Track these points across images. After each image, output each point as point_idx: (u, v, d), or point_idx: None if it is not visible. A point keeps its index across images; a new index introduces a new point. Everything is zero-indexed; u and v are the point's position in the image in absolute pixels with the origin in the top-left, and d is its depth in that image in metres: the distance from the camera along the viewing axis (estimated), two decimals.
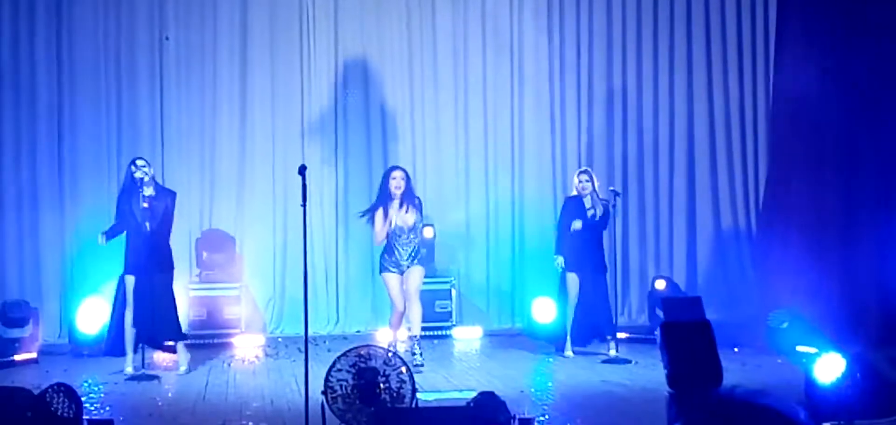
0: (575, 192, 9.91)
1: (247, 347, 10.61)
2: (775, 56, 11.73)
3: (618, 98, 12.21)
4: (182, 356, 9.26)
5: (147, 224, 8.86)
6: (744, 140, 12.37)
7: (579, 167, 11.11)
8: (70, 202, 11.24)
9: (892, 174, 9.95)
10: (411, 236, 9.32)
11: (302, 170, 7.18)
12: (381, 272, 9.46)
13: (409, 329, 9.51)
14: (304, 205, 7.13)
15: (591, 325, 9.82)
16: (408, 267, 9.32)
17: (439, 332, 11.20)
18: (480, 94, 12.03)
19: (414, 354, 9.13)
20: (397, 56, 11.94)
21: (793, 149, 11.03)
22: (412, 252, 9.33)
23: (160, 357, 9.48)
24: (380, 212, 9.30)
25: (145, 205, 8.85)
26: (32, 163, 11.18)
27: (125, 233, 8.99)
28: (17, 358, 9.77)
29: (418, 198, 9.51)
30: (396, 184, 9.27)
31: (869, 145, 10.17)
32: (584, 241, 9.71)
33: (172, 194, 9.16)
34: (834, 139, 10.33)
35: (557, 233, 10.07)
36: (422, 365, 9.03)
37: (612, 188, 10.20)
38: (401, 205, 9.23)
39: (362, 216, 9.54)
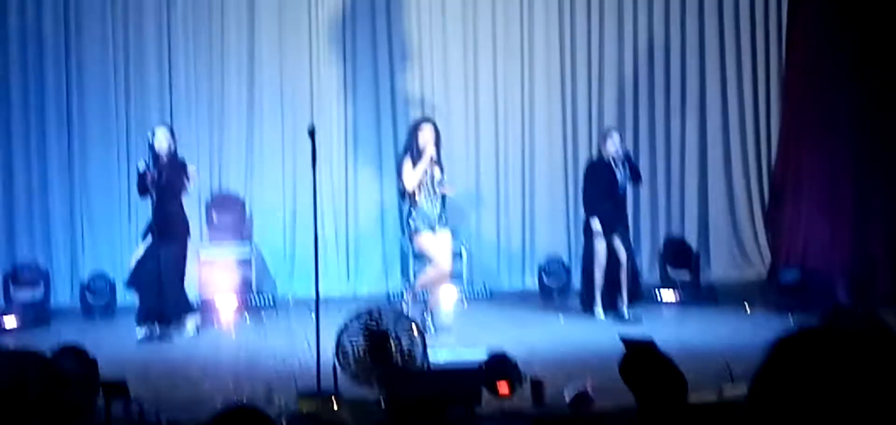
0: (599, 155, 9.91)
1: (257, 309, 10.61)
2: (788, 8, 11.61)
3: (628, 64, 12.09)
4: (190, 322, 9.28)
5: (153, 193, 8.92)
6: (756, 100, 12.26)
7: (602, 127, 11.22)
8: (79, 162, 11.22)
9: None
10: (439, 192, 9.08)
11: (311, 131, 7.15)
12: (414, 234, 9.15)
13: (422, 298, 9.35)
14: (314, 168, 7.12)
15: (621, 285, 9.77)
16: (439, 226, 9.05)
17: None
18: (490, 57, 11.95)
19: (425, 321, 8.87)
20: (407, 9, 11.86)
21: (805, 109, 10.95)
22: (441, 209, 9.10)
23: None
24: (408, 161, 9.05)
25: (150, 175, 8.91)
26: (41, 122, 11.14)
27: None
28: (27, 319, 9.82)
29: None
30: (425, 138, 9.04)
31: (882, 105, 10.10)
32: (613, 205, 9.70)
33: (181, 164, 9.18)
34: (847, 99, 10.25)
35: (586, 197, 10.02)
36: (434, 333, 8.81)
37: (625, 151, 10.02)
38: (432, 159, 9.01)
39: (402, 195, 9.36)
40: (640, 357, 4.42)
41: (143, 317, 9.05)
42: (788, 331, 1.60)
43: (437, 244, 9.07)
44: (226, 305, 10.22)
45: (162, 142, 9.04)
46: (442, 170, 9.16)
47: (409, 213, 9.16)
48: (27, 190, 11.19)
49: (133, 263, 9.19)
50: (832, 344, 1.51)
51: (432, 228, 9.02)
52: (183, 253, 9.26)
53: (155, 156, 9.02)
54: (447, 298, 9.35)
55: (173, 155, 9.13)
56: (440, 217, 9.09)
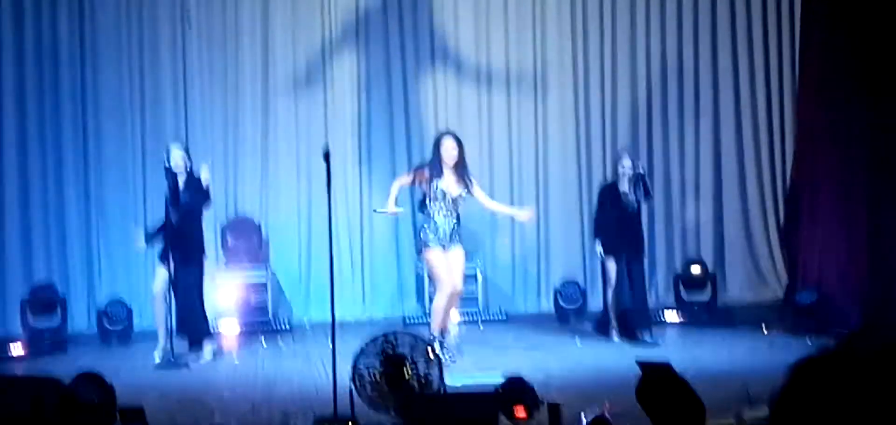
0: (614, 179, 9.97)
1: (273, 334, 10.61)
2: (801, 27, 11.59)
3: (641, 78, 12.10)
4: (207, 347, 9.29)
5: (171, 212, 8.92)
6: (770, 116, 12.23)
7: (615, 147, 11.32)
8: (94, 182, 11.26)
9: None
10: (454, 208, 8.83)
11: (326, 155, 7.16)
12: (421, 249, 8.95)
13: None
14: (329, 192, 7.13)
15: (628, 310, 9.75)
16: (450, 244, 8.82)
17: (465, 318, 11.07)
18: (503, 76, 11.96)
19: (445, 349, 8.71)
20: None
21: (820, 125, 10.91)
22: (454, 226, 8.85)
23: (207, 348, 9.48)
24: (420, 174, 8.90)
25: (172, 195, 8.92)
26: (57, 147, 11.19)
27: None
28: (43, 346, 9.85)
29: (469, 172, 8.99)
30: (449, 153, 8.78)
31: None
32: (622, 226, 9.70)
33: (197, 181, 9.15)
34: (862, 113, 10.21)
35: (595, 220, 10.10)
36: (454, 362, 8.60)
37: (638, 172, 9.97)
38: (454, 176, 8.78)
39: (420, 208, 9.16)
40: (657, 380, 4.39)
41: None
42: (807, 356, 1.59)
43: (443, 262, 8.84)
44: (241, 330, 10.22)
45: (177, 160, 9.04)
46: (467, 184, 8.90)
47: (422, 227, 8.98)
48: (43, 215, 11.22)
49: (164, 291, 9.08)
50: (850, 368, 1.51)
51: (442, 245, 8.81)
52: (202, 274, 9.28)
53: (172, 175, 9.03)
54: (453, 322, 9.11)
55: (189, 173, 9.13)
56: (453, 233, 8.85)
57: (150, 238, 9.14)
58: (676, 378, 4.45)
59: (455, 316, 9.24)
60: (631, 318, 9.70)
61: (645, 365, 5.00)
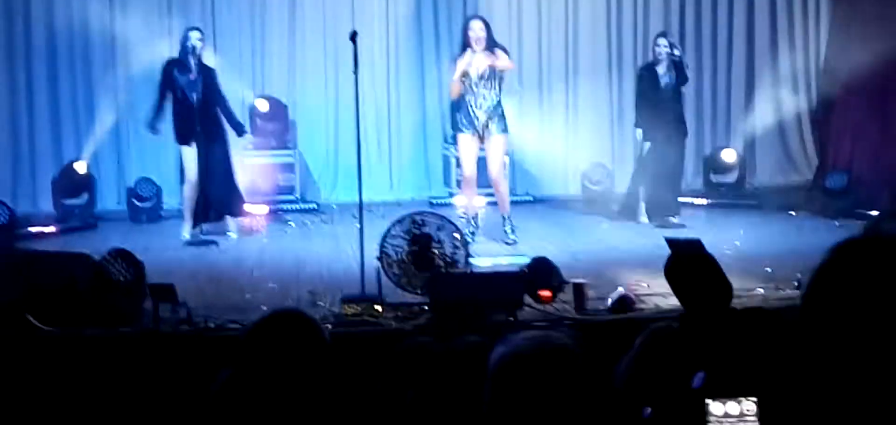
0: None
1: (301, 214, 10.67)
2: None
3: None
4: (232, 223, 9.37)
5: (193, 94, 8.90)
6: (805, 1, 12.04)
7: (647, 32, 11.05)
8: (122, 64, 11.26)
9: None
10: (487, 89, 8.55)
11: (353, 35, 7.12)
12: (456, 133, 8.98)
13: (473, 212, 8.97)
14: (355, 73, 7.10)
15: (657, 193, 9.67)
16: (485, 127, 8.60)
17: (492, 199, 11.09)
18: None
19: (505, 232, 8.83)
20: None
21: (855, 6, 10.72)
22: (490, 108, 8.57)
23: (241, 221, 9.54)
24: (459, 61, 8.58)
25: (191, 76, 8.88)
26: (85, 23, 11.17)
27: (172, 103, 8.99)
28: (74, 224, 9.97)
29: (502, 46, 8.70)
30: (475, 35, 8.49)
31: None
32: (662, 109, 9.54)
33: (212, 70, 9.15)
34: None
35: (636, 103, 9.92)
36: (515, 243, 8.70)
37: (673, 56, 9.76)
38: (485, 55, 8.51)
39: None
40: (687, 258, 4.37)
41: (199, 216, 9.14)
42: (845, 239, 1.56)
43: (471, 149, 8.72)
44: (269, 210, 10.28)
45: (198, 43, 9.00)
46: (505, 57, 8.61)
47: (455, 111, 8.88)
48: (72, 97, 11.27)
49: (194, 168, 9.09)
50: (882, 251, 1.49)
51: (476, 131, 8.66)
52: (229, 150, 9.30)
53: (198, 58, 9.00)
54: (503, 201, 8.98)
55: (200, 57, 9.09)
56: (489, 120, 8.60)
57: (152, 124, 9.11)
58: (706, 255, 4.43)
59: (479, 200, 9.21)
60: (660, 201, 9.63)
61: (674, 243, 4.97)
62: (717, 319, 3.50)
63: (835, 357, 1.44)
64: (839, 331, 1.45)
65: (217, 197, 9.14)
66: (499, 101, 8.66)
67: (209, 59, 9.43)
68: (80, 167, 10.56)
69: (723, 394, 2.00)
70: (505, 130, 8.77)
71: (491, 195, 9.44)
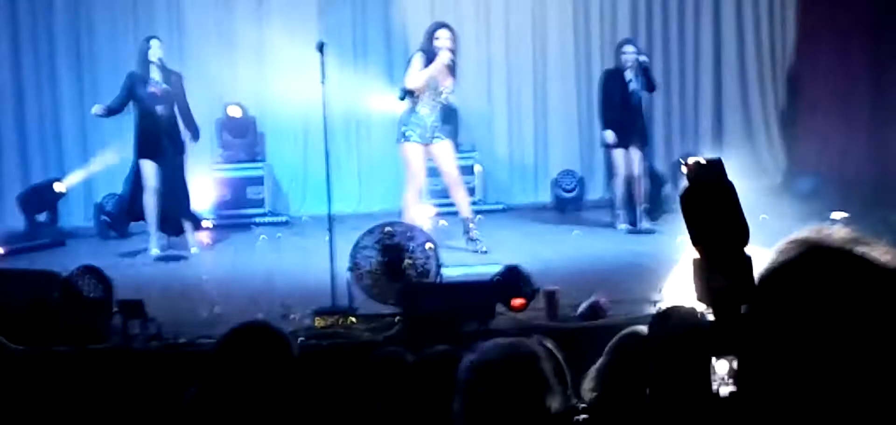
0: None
1: (271, 227, 10.62)
2: None
3: None
4: (191, 237, 9.32)
5: (158, 107, 8.85)
6: (771, 3, 12.12)
7: (615, 38, 11.05)
8: (89, 79, 11.18)
9: None
10: (439, 101, 8.61)
11: (320, 46, 7.12)
12: (401, 141, 8.66)
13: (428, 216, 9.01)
14: (323, 84, 7.08)
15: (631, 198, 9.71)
16: (432, 138, 8.60)
17: (442, 209, 11.01)
18: None
19: (473, 240, 8.69)
20: None
21: (821, 12, 10.80)
22: (437, 117, 8.63)
23: (195, 237, 9.48)
24: (419, 57, 8.52)
25: (154, 90, 8.83)
26: (51, 37, 11.09)
27: (136, 115, 8.94)
28: (44, 241, 9.88)
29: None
30: (443, 44, 8.46)
31: None
32: (629, 114, 9.57)
33: (178, 75, 9.10)
34: (863, 2, 10.11)
35: (601, 108, 9.93)
36: (487, 252, 8.53)
37: (641, 61, 9.81)
38: (446, 66, 8.49)
39: (403, 97, 8.72)
40: (706, 185, 4.16)
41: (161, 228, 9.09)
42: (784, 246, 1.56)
43: (420, 158, 8.62)
44: (238, 223, 10.24)
45: (158, 53, 8.96)
46: (454, 78, 8.70)
47: (405, 119, 8.68)
48: (38, 112, 11.19)
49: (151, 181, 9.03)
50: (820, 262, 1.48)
51: (424, 139, 8.59)
52: (185, 164, 9.26)
53: (160, 66, 8.96)
54: (463, 204, 8.91)
55: (164, 67, 9.05)
56: (437, 128, 8.63)
57: (111, 112, 9.03)
58: (726, 184, 4.24)
59: (427, 210, 9.15)
60: (644, 203, 9.65)
61: (693, 165, 4.79)
62: (728, 260, 3.38)
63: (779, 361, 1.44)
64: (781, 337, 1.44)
65: (175, 210, 9.08)
66: (441, 110, 8.70)
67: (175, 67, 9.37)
68: (60, 187, 10.50)
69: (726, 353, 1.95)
70: (450, 135, 8.87)
71: (442, 205, 9.39)
